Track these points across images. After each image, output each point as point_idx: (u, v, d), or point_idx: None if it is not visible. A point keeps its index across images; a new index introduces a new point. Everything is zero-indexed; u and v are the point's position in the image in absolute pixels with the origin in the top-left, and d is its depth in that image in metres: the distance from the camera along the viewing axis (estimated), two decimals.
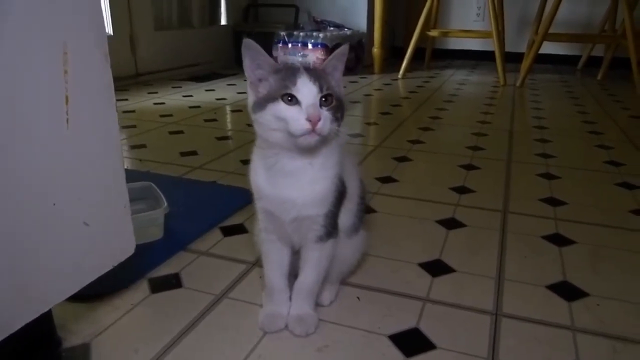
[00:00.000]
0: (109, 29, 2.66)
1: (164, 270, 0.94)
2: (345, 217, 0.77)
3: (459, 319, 0.81)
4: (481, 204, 1.26)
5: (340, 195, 0.74)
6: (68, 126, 0.59)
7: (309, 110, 0.63)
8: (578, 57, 3.84)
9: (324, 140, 0.66)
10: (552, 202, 1.28)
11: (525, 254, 1.02)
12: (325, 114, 0.64)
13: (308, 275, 0.76)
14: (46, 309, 0.61)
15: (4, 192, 0.53)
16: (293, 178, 0.69)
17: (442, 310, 0.83)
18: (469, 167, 1.53)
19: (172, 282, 0.90)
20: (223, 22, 3.69)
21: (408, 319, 0.81)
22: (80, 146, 0.61)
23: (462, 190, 1.35)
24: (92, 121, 0.62)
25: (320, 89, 0.65)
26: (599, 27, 3.55)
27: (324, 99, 0.65)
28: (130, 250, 0.72)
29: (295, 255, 0.79)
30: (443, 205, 1.25)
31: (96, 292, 0.85)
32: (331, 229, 0.74)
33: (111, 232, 0.69)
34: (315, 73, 0.66)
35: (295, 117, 0.63)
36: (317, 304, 0.81)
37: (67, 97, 0.59)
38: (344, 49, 0.69)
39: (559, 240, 1.08)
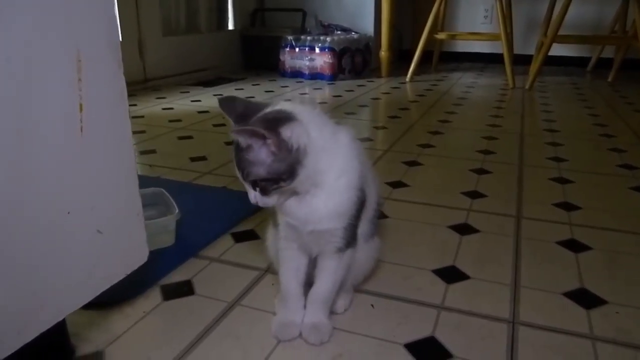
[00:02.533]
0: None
1: (175, 277, 0.94)
2: (363, 224, 0.76)
3: (475, 327, 0.79)
4: (494, 209, 1.25)
5: (360, 207, 0.73)
6: (82, 134, 0.59)
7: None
8: (588, 59, 3.82)
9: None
10: (567, 206, 1.26)
11: (541, 260, 1.00)
12: (256, 194, 0.67)
13: (324, 283, 0.75)
14: (60, 319, 0.60)
15: (19, 200, 0.53)
16: (305, 201, 0.69)
17: (457, 318, 0.82)
18: (480, 172, 1.52)
19: (184, 289, 0.90)
20: (230, 26, 3.70)
21: (423, 327, 0.79)
22: (94, 154, 0.61)
23: (474, 195, 1.34)
24: (105, 129, 0.62)
25: (243, 176, 0.66)
26: (608, 28, 3.52)
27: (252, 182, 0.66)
28: (143, 259, 0.72)
29: (312, 263, 0.78)
30: (455, 210, 1.24)
31: (108, 300, 0.85)
32: (350, 240, 0.73)
33: (124, 240, 0.68)
34: (241, 157, 0.65)
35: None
36: (331, 312, 0.81)
37: (81, 105, 0.58)
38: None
39: (574, 246, 1.06)
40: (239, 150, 0.65)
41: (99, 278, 0.65)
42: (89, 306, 0.82)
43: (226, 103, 0.69)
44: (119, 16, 2.68)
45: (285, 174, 0.64)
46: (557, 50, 3.32)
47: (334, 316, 0.81)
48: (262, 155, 0.63)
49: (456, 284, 0.92)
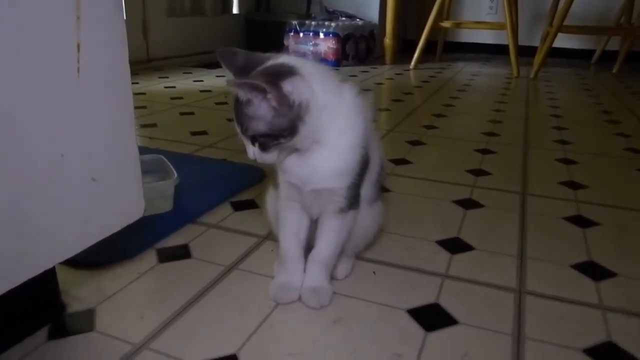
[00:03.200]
0: None
1: (172, 241, 0.91)
2: (367, 186, 0.74)
3: (480, 296, 0.77)
4: (499, 185, 1.22)
5: (364, 166, 0.71)
6: (79, 75, 0.56)
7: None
8: (592, 52, 3.78)
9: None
10: (573, 185, 1.24)
11: (547, 234, 0.98)
12: (255, 150, 0.64)
13: (325, 245, 0.73)
14: (50, 266, 0.58)
15: (10, 136, 0.50)
16: (306, 159, 0.67)
17: (462, 286, 0.80)
18: (484, 152, 1.49)
19: (181, 252, 0.87)
20: (235, 10, 3.66)
21: (427, 294, 0.77)
22: (91, 98, 0.58)
23: (478, 172, 1.31)
24: (104, 72, 0.59)
25: (242, 130, 0.63)
26: (614, 20, 3.49)
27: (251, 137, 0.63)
28: (139, 213, 0.70)
29: (313, 225, 0.75)
30: (459, 186, 1.21)
31: (101, 261, 0.82)
32: (353, 201, 0.71)
33: (120, 191, 0.66)
34: (240, 111, 0.62)
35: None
36: (332, 278, 0.78)
37: (78, 45, 0.56)
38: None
39: (581, 221, 1.04)
40: (239, 104, 0.62)
41: (94, 228, 0.62)
42: (80, 265, 0.81)
43: (226, 55, 0.66)
44: None
45: (286, 130, 0.62)
46: (561, 42, 3.28)
47: (334, 281, 0.79)
48: (262, 110, 0.61)
49: (460, 254, 0.89)
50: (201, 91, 2.29)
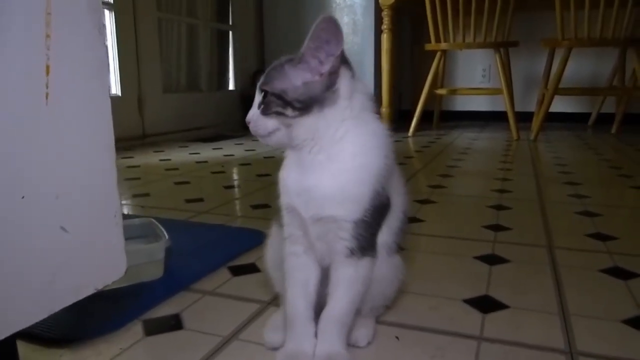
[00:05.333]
0: (117, 90, 2.65)
1: (161, 311, 0.79)
2: (385, 234, 0.64)
3: (527, 359, 0.65)
4: (522, 240, 1.12)
5: (382, 209, 0.62)
6: (47, 102, 0.48)
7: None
8: (587, 115, 3.80)
9: (281, 138, 0.60)
10: (600, 237, 1.14)
11: (587, 288, 0.86)
12: (256, 112, 0.60)
13: (339, 300, 0.62)
14: (4, 335, 0.46)
15: None
16: (314, 172, 0.60)
17: (503, 349, 0.67)
18: (499, 207, 1.40)
19: (171, 323, 0.75)
20: (231, 87, 3.71)
21: None
22: (61, 130, 0.50)
23: (497, 228, 1.21)
24: (78, 101, 0.52)
25: (262, 82, 0.60)
26: (607, 82, 3.54)
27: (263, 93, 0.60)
28: (119, 272, 0.59)
29: (325, 279, 0.64)
30: (479, 242, 1.11)
31: (77, 336, 0.70)
32: (365, 244, 0.61)
33: (96, 245, 0.55)
34: (272, 70, 0.60)
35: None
36: (352, 345, 0.66)
37: (47, 67, 0.48)
38: (319, 23, 0.57)
39: (620, 273, 0.93)
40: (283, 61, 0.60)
41: (62, 289, 0.52)
42: (51, 342, 0.69)
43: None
44: (120, 71, 2.66)
45: (303, 103, 0.57)
46: (556, 106, 3.30)
47: (355, 350, 0.66)
48: (302, 71, 0.58)
49: (494, 313, 0.77)
50: (197, 162, 2.23)
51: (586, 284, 0.88)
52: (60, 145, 0.50)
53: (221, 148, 2.69)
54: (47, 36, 0.48)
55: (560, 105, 3.59)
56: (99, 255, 0.56)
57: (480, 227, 1.22)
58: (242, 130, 3.49)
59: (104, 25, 0.53)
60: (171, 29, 3.17)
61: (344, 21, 3.60)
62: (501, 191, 1.61)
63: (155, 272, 0.90)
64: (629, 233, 1.17)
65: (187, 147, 2.74)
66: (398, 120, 3.86)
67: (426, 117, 3.35)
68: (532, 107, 3.77)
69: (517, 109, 3.78)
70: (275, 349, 0.65)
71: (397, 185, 0.67)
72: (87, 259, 0.54)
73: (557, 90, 2.92)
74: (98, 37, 0.53)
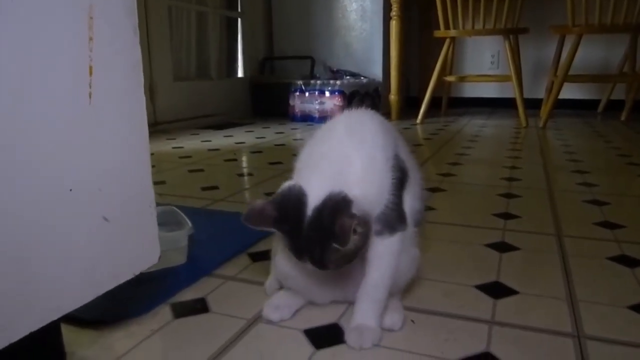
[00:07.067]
0: None
1: (187, 295, 0.83)
2: (411, 199, 0.69)
3: (536, 342, 0.68)
4: (531, 228, 1.15)
5: (401, 178, 0.67)
6: (91, 101, 0.52)
7: None
8: (597, 102, 3.80)
9: None
10: (609, 225, 1.17)
11: (594, 275, 0.90)
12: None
13: (373, 275, 0.66)
14: (54, 318, 0.50)
15: (16, 167, 0.45)
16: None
17: (514, 333, 0.71)
18: (509, 196, 1.43)
19: (198, 306, 0.79)
20: (240, 74, 3.73)
21: (475, 343, 0.68)
22: (103, 126, 0.53)
23: (507, 216, 1.24)
24: (117, 100, 0.55)
25: (314, 258, 0.63)
26: (617, 69, 3.53)
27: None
28: (154, 259, 0.63)
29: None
30: (489, 230, 1.14)
31: (109, 318, 0.74)
32: (393, 221, 0.65)
33: (134, 233, 0.59)
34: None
35: None
36: (387, 329, 0.70)
37: (91, 68, 0.51)
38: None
39: (628, 261, 0.96)
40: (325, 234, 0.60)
41: (103, 275, 0.56)
42: (87, 324, 0.73)
43: (254, 216, 0.65)
44: None
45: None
46: (566, 92, 3.30)
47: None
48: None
49: (504, 299, 0.81)
50: (209, 150, 2.27)
51: (594, 272, 0.91)
52: (102, 142, 0.53)
53: (232, 135, 2.72)
54: (90, 39, 0.51)
55: (569, 91, 3.59)
56: (136, 243, 0.60)
57: (490, 215, 1.25)
58: (251, 118, 3.53)
59: (137, 28, 0.56)
60: (181, 17, 3.19)
61: (353, 7, 3.60)
62: (510, 179, 1.64)
63: (179, 258, 0.94)
64: (637, 221, 1.19)
65: (198, 134, 2.78)
66: (407, 106, 3.86)
67: (434, 103, 3.36)
68: (541, 93, 3.77)
69: (526, 95, 3.78)
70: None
71: (408, 156, 0.72)
72: (126, 246, 0.58)
73: (567, 78, 2.92)
74: (133, 38, 0.56)
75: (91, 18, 0.51)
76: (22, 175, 0.46)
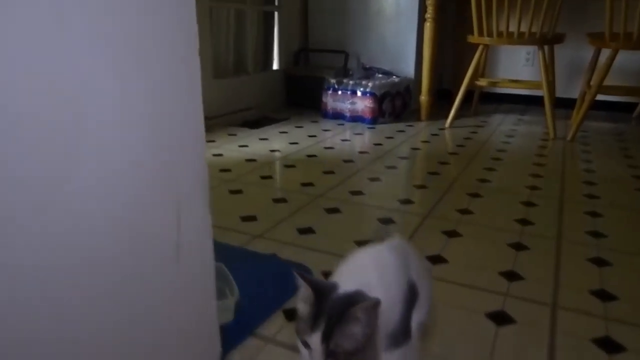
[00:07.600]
0: None
1: (235, 357, 1.03)
2: (418, 315, 0.84)
3: None
4: (530, 294, 1.29)
5: (411, 300, 0.81)
6: (178, 262, 0.69)
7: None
8: (633, 105, 3.78)
9: None
10: (602, 295, 1.30)
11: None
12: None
13: None
14: None
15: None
16: None
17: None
18: (518, 247, 1.57)
19: None
20: (275, 66, 3.85)
21: None
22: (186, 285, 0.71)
23: (511, 276, 1.38)
24: (197, 258, 0.72)
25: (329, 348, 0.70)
26: None
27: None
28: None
29: None
30: (492, 294, 1.29)
31: None
32: (400, 337, 0.80)
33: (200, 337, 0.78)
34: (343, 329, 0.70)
35: None
36: None
37: (177, 244, 0.69)
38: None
39: (608, 345, 1.10)
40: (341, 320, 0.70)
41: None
42: None
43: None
44: None
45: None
46: (600, 95, 3.30)
47: None
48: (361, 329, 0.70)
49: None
50: (247, 160, 2.44)
51: (575, 356, 1.07)
52: (184, 297, 0.71)
53: (267, 139, 2.89)
54: (179, 224, 0.68)
55: (603, 94, 3.58)
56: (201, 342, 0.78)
57: (497, 274, 1.40)
58: (285, 111, 3.67)
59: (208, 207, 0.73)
60: (221, 16, 3.30)
61: (388, 3, 3.63)
62: (524, 222, 1.76)
63: (227, 316, 1.14)
64: (631, 292, 1.32)
65: (235, 135, 2.95)
66: (438, 99, 3.90)
67: (466, 97, 3.38)
68: (574, 93, 3.75)
69: (560, 94, 3.81)
70: None
71: (423, 276, 0.86)
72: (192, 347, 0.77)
73: (600, 89, 2.94)
74: (205, 214, 0.73)
75: (179, 202, 0.68)
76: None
